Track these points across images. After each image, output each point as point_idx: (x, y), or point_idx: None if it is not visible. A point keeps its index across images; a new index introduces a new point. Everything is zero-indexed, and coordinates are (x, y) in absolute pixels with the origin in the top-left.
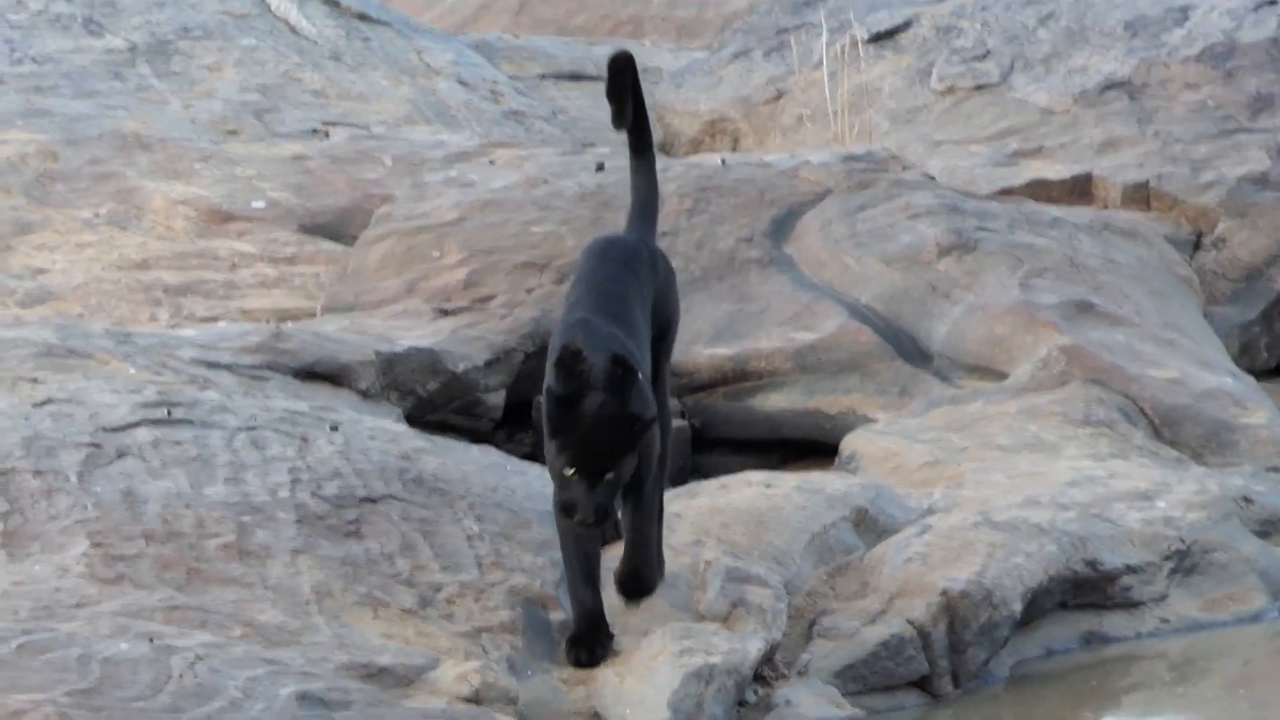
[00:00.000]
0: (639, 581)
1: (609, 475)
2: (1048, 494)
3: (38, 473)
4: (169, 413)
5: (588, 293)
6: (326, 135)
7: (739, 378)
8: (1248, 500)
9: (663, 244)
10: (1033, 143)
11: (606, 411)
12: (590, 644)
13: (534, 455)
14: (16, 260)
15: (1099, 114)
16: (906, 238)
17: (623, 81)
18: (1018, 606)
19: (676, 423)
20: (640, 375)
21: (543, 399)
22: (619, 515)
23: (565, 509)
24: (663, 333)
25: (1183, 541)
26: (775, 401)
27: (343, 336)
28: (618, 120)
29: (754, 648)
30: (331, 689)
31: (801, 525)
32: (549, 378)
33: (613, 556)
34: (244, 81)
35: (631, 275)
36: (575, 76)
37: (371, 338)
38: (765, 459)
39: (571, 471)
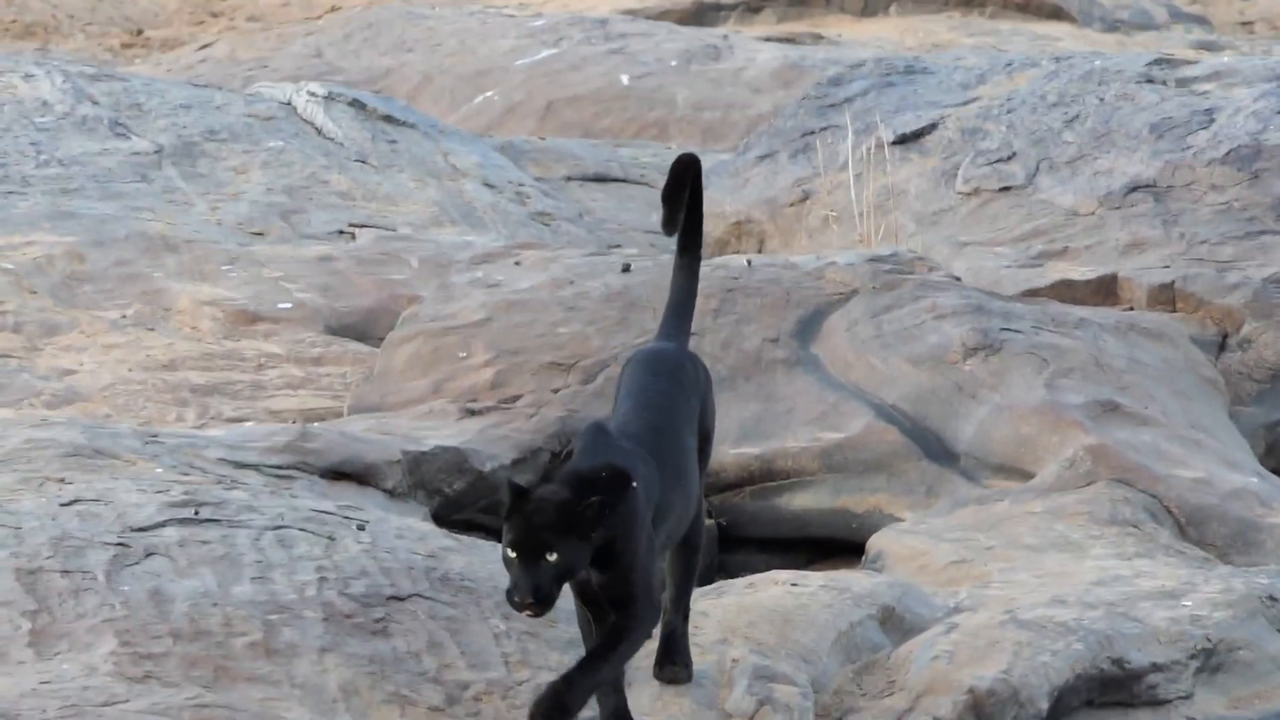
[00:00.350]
0: (550, 708)
1: (550, 556)
2: (1074, 593)
3: (65, 572)
4: (196, 512)
5: (634, 410)
6: (353, 237)
7: (766, 477)
8: (1274, 599)
9: (689, 346)
10: (1058, 244)
11: (549, 494)
12: None
13: None
14: (44, 361)
15: (1124, 215)
16: (933, 338)
17: (682, 184)
18: (1044, 705)
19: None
20: (635, 487)
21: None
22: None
23: (506, 594)
24: (703, 442)
25: (1209, 640)
26: (802, 500)
27: (369, 436)
28: (669, 226)
29: None
30: None
31: (828, 623)
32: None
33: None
34: (270, 183)
35: (679, 389)
36: (601, 178)
37: (398, 437)
38: (792, 558)
39: (512, 554)
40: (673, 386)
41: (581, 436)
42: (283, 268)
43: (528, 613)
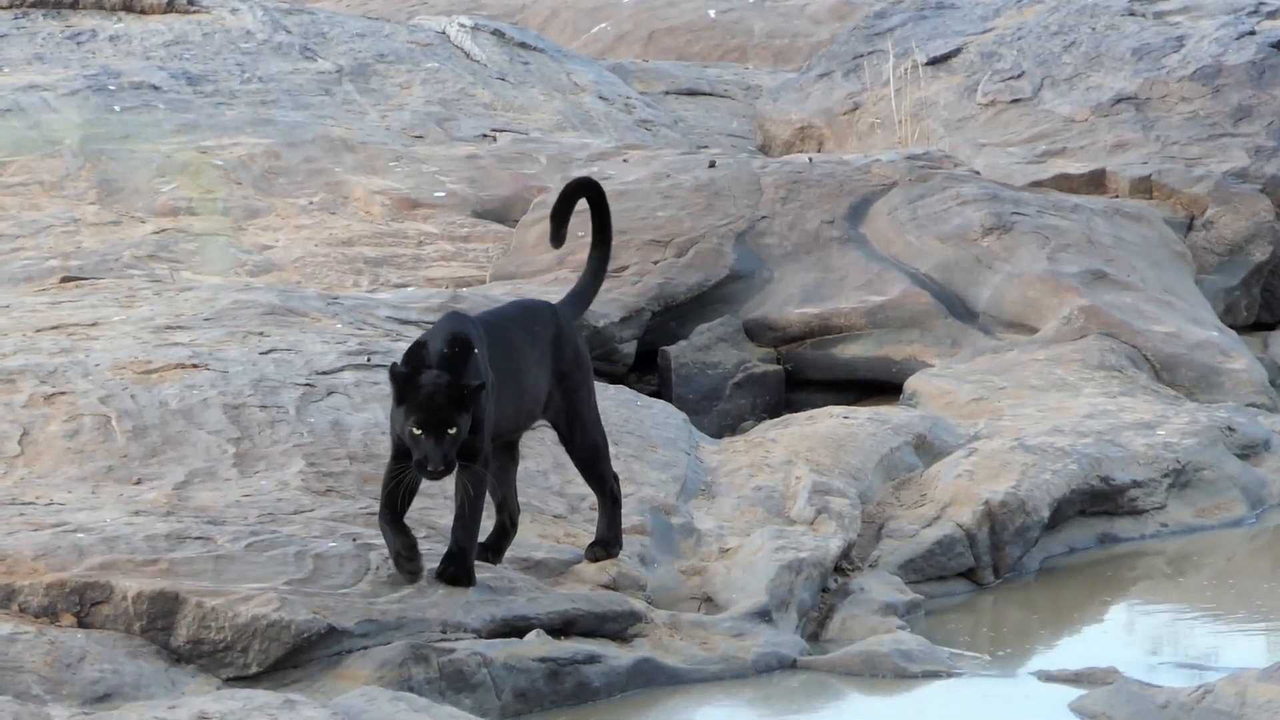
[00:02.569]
0: (455, 568)
1: (450, 431)
2: (1070, 424)
3: (264, 407)
4: (369, 359)
5: (486, 317)
6: (494, 140)
7: (823, 331)
8: (1231, 430)
9: (761, 226)
10: (1058, 145)
11: (442, 381)
12: (404, 570)
13: (659, 393)
14: (247, 239)
15: (1111, 122)
16: (957, 220)
17: (567, 206)
18: (1046, 513)
19: (771, 366)
20: (477, 351)
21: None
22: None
23: (418, 465)
24: (564, 375)
25: (1178, 462)
26: (852, 350)
27: (507, 298)
28: (555, 241)
29: (834, 546)
30: (498, 578)
31: (873, 448)
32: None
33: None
34: (428, 97)
35: (529, 335)
36: (692, 92)
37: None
38: (844, 396)
39: (419, 431)
40: (524, 320)
41: (444, 320)
42: (438, 164)
43: (436, 478)
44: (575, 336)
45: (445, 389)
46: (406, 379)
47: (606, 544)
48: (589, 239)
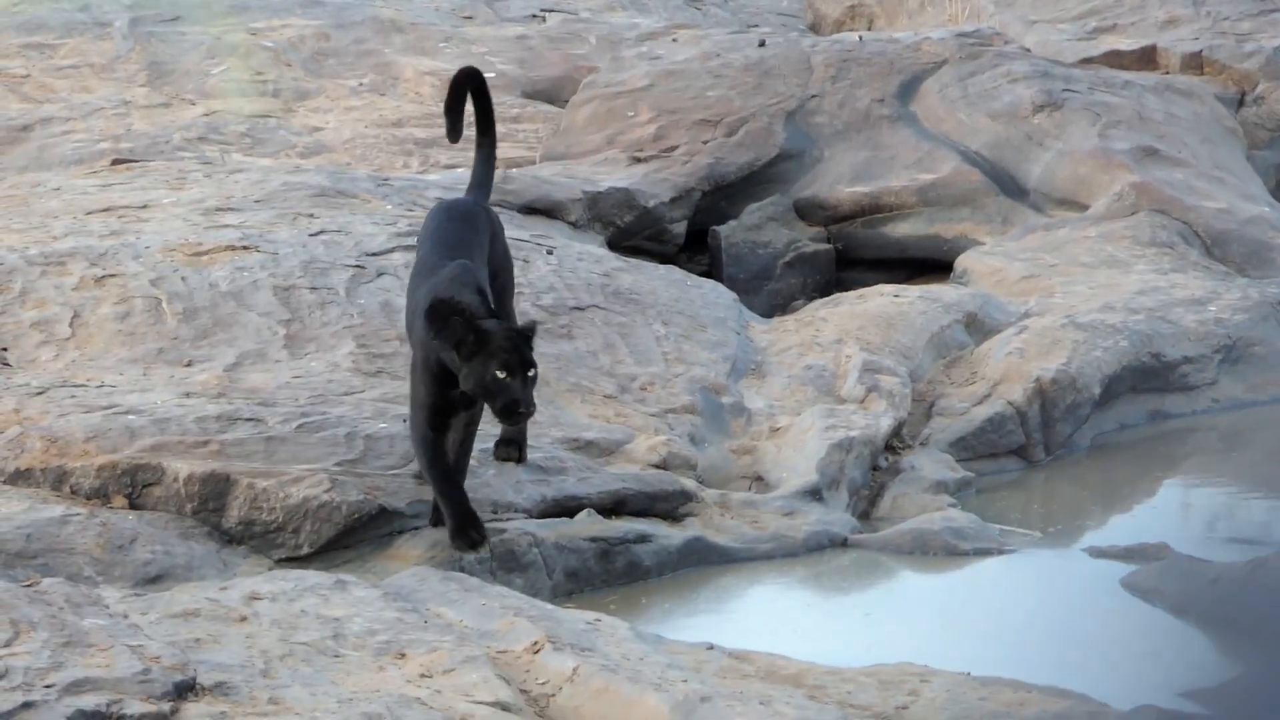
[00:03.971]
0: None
1: (530, 373)
2: (1121, 301)
3: (314, 289)
4: (417, 241)
5: (438, 246)
6: (544, 20)
7: (874, 210)
8: None
9: (811, 105)
10: (1109, 21)
11: (505, 328)
12: (469, 533)
13: (709, 273)
14: (297, 120)
15: None
16: (1007, 98)
17: (459, 97)
18: (1097, 390)
19: (822, 245)
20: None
21: (435, 341)
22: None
23: (507, 410)
24: (496, 273)
25: (1230, 338)
26: (902, 229)
27: (557, 179)
28: (452, 135)
29: (885, 424)
30: (549, 458)
31: (923, 327)
32: (437, 321)
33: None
34: None
35: (470, 230)
36: None
37: (579, 180)
38: (894, 274)
39: (505, 375)
40: (465, 228)
41: (453, 269)
42: (488, 44)
43: (526, 419)
44: (502, 233)
45: (518, 333)
46: (477, 331)
47: (518, 444)
48: (636, 118)
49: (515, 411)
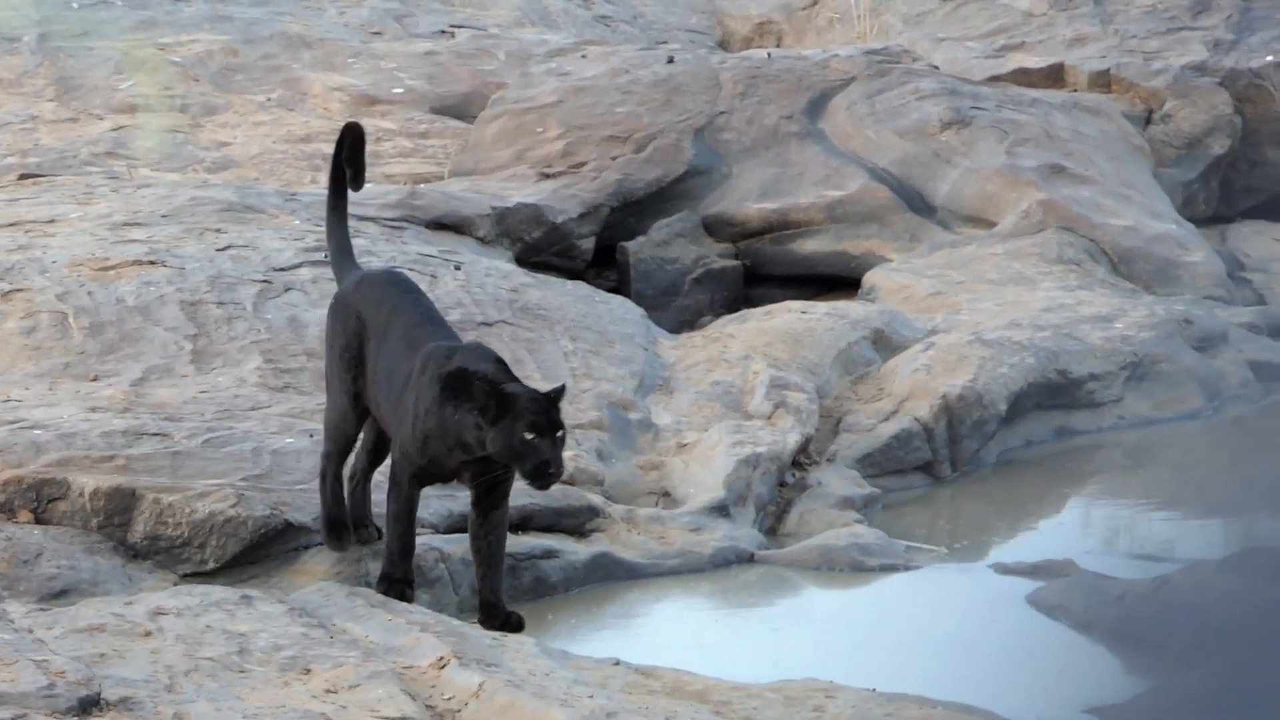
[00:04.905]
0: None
1: (558, 434)
2: (1027, 318)
3: (221, 304)
4: (325, 256)
5: (427, 320)
6: (453, 35)
7: (781, 226)
8: (1188, 322)
9: (720, 122)
10: (1017, 39)
11: (533, 391)
12: (393, 585)
13: (617, 289)
14: (205, 135)
15: (1070, 15)
16: (915, 115)
17: (358, 148)
18: (1003, 406)
19: (730, 262)
20: None
21: (450, 409)
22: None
23: (536, 472)
24: None
25: (1136, 355)
26: (810, 245)
27: (465, 195)
28: (356, 184)
29: (792, 440)
30: None
31: (830, 343)
32: (456, 389)
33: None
34: None
35: (421, 296)
36: None
37: (488, 195)
38: (802, 291)
39: (531, 436)
40: (417, 297)
41: (445, 355)
42: (396, 60)
43: (554, 483)
44: None
45: (545, 396)
46: (502, 395)
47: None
48: (545, 134)
49: (546, 473)
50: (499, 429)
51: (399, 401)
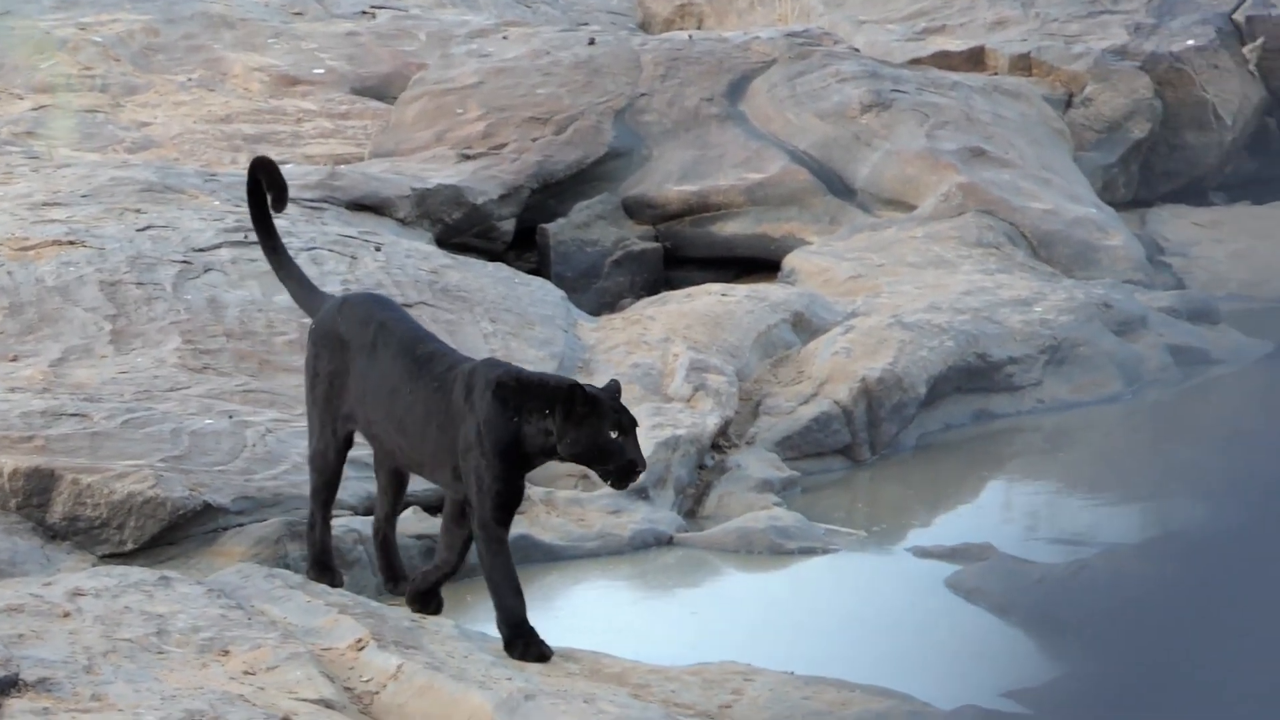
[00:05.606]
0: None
1: (638, 429)
2: (947, 301)
3: (140, 284)
4: (246, 236)
5: (424, 337)
6: (373, 16)
7: (702, 208)
8: (1108, 306)
9: (640, 103)
10: (937, 22)
11: (610, 390)
12: (529, 643)
13: (538, 271)
14: (125, 115)
15: None
16: (836, 97)
17: (273, 184)
18: (923, 390)
19: (650, 244)
20: None
21: (509, 415)
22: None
23: (626, 470)
24: None
25: (1055, 339)
26: (730, 228)
27: (385, 176)
28: (279, 206)
29: (712, 422)
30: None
31: (750, 326)
32: (507, 402)
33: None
34: None
35: (406, 314)
36: None
37: (408, 176)
38: (722, 273)
39: (616, 434)
40: (406, 314)
41: (485, 368)
42: (317, 41)
43: (636, 480)
44: None
45: (617, 394)
46: (585, 394)
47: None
48: (465, 115)
49: (633, 472)
50: (582, 430)
51: (417, 424)
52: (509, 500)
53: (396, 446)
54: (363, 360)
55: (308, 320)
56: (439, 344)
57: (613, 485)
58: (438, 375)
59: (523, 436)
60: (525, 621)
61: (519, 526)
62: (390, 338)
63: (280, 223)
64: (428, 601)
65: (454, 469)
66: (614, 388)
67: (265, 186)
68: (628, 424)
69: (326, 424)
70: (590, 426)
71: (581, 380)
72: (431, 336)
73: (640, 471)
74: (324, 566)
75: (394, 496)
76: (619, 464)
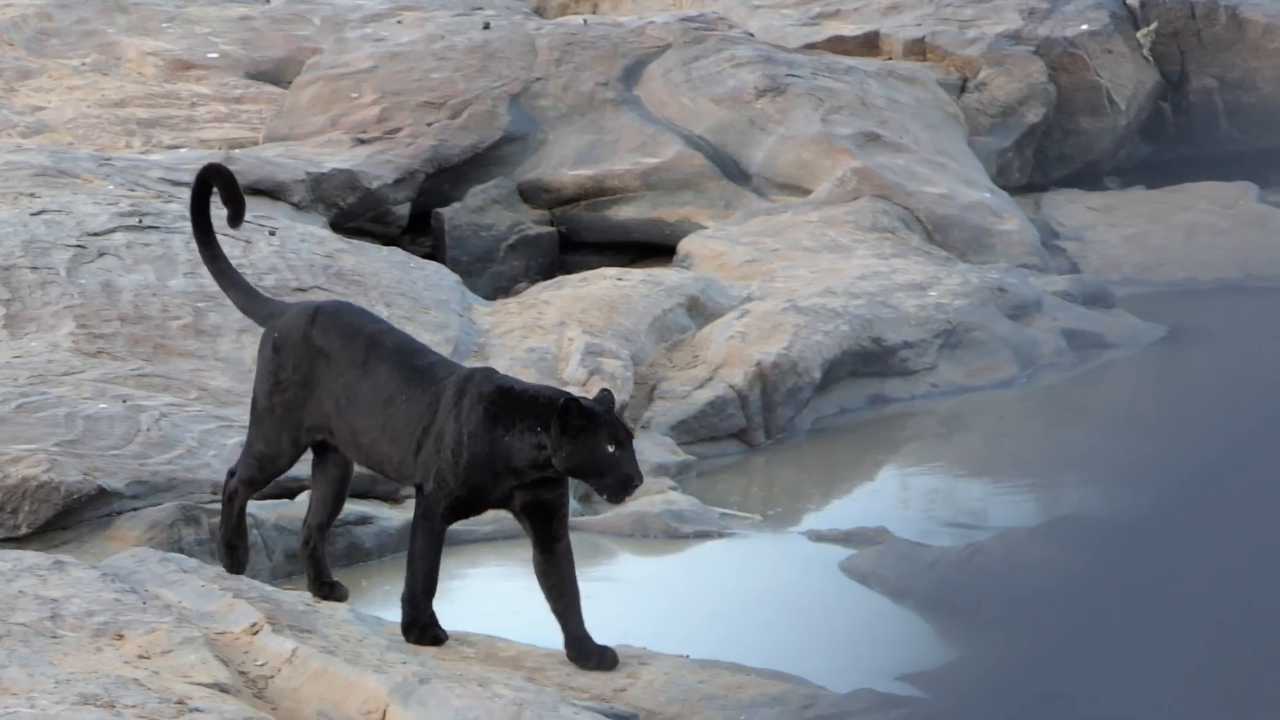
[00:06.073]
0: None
1: (633, 444)
2: (842, 285)
3: (34, 268)
4: (140, 221)
5: (417, 348)
6: (267, 0)
7: (597, 193)
8: (1002, 290)
9: (536, 88)
10: (832, 7)
11: (604, 403)
12: (425, 626)
13: (433, 255)
14: (19, 100)
15: None
16: (731, 82)
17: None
18: (818, 374)
19: (545, 228)
20: None
21: (500, 430)
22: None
23: (623, 484)
24: None
25: (949, 323)
26: (626, 212)
27: (280, 160)
28: (235, 221)
29: None
30: None
31: (646, 310)
32: (500, 412)
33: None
34: None
35: (389, 324)
36: None
37: (303, 161)
38: (617, 258)
39: (613, 448)
40: (389, 324)
41: (481, 377)
42: (211, 25)
43: (632, 494)
44: None
45: (609, 406)
46: (581, 407)
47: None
48: (360, 99)
49: (630, 486)
50: (578, 444)
51: (410, 433)
52: (464, 508)
53: (385, 457)
54: (350, 373)
55: (203, 305)
56: (436, 355)
57: (608, 499)
58: (436, 383)
59: (510, 451)
60: (429, 609)
61: (406, 510)
62: (383, 350)
63: (175, 206)
64: (604, 657)
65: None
66: (607, 400)
67: (223, 199)
68: (624, 437)
69: (284, 431)
70: (586, 440)
71: (475, 364)
72: (426, 348)
73: (637, 485)
74: (233, 547)
75: (332, 507)
76: (615, 478)
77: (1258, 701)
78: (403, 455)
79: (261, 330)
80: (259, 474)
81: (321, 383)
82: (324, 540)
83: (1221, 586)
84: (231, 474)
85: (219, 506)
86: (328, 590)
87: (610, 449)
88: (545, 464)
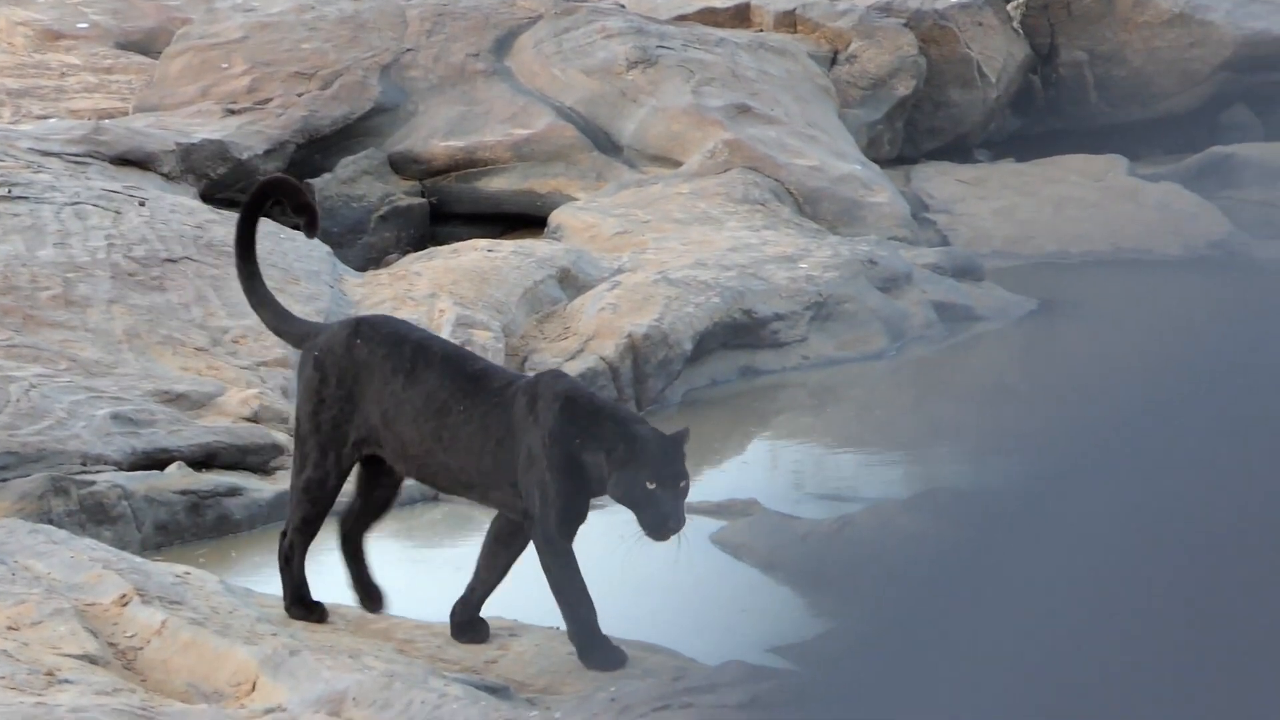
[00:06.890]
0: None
1: (682, 484)
2: (713, 257)
3: None
4: (9, 191)
5: (469, 354)
6: None
7: (468, 164)
8: (873, 263)
9: (406, 59)
10: None
11: (656, 433)
12: (605, 651)
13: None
14: None
15: None
16: (602, 54)
17: (301, 196)
18: (689, 346)
19: (416, 199)
20: None
21: (577, 442)
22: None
23: (655, 526)
24: None
25: (820, 295)
26: (497, 184)
27: (150, 130)
28: (313, 229)
29: None
30: (139, 410)
31: (517, 281)
32: (579, 420)
33: None
34: None
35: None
36: None
37: (173, 132)
38: (489, 229)
39: (653, 486)
40: (426, 332)
41: (568, 380)
42: None
43: (670, 536)
44: None
45: (672, 441)
46: (629, 437)
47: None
48: (230, 69)
49: (664, 527)
50: (623, 474)
51: (472, 442)
52: (573, 515)
53: (441, 467)
54: (397, 382)
55: (72, 275)
56: (486, 361)
57: (647, 535)
58: (495, 391)
59: (583, 461)
60: (598, 631)
61: (283, 482)
62: (432, 357)
63: (43, 177)
64: (476, 631)
65: (513, 485)
66: (677, 437)
67: (293, 209)
68: (669, 478)
69: (329, 451)
70: (631, 472)
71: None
72: (472, 354)
73: (672, 526)
74: (306, 603)
75: (378, 510)
76: (651, 516)
77: (1126, 671)
78: (462, 464)
79: (299, 353)
80: (310, 508)
81: (367, 395)
82: (363, 544)
83: (1091, 557)
84: (283, 535)
85: (88, 478)
86: (374, 604)
87: (650, 486)
88: (604, 484)
